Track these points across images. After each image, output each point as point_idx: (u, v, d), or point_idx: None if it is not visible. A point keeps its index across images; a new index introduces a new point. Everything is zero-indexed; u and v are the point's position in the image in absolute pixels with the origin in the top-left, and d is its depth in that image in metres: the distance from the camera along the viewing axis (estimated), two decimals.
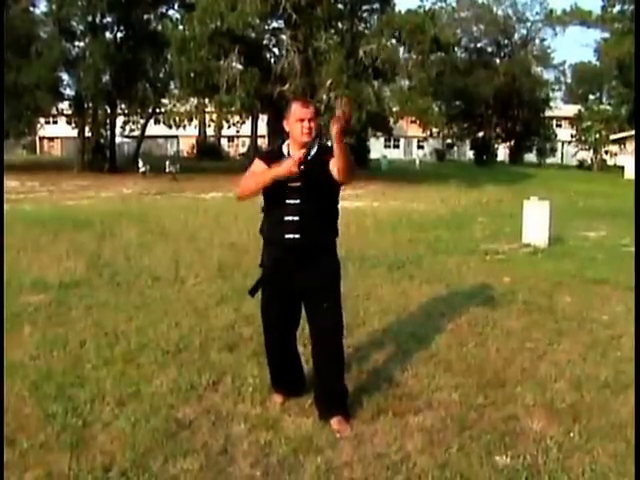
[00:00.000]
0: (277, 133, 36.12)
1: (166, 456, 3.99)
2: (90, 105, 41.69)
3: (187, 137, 70.14)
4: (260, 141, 56.02)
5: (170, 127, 61.06)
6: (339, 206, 4.61)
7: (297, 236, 4.38)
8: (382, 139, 64.96)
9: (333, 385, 4.60)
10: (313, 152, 4.32)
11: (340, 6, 34.35)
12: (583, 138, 60.23)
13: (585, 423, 4.57)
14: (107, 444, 4.15)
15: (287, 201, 4.39)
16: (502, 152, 70.19)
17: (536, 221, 12.63)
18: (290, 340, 4.85)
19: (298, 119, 4.35)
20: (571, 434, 4.40)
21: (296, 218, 4.38)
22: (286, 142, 4.54)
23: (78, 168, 39.67)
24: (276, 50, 35.64)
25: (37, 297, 7.68)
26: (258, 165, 4.52)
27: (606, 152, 58.36)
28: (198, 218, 15.58)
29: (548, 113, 69.75)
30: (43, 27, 40.40)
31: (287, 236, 4.39)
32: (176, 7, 42.16)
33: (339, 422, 4.45)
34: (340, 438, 4.28)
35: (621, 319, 7.25)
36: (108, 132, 43.83)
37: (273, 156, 4.51)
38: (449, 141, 72.93)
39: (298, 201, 4.37)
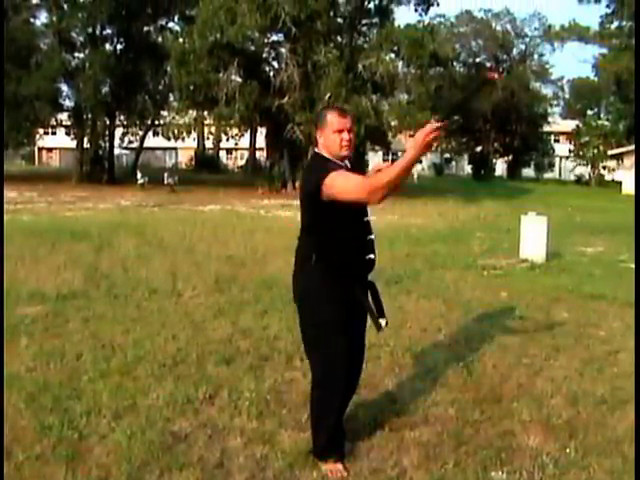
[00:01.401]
0: (275, 146, 36.23)
1: (162, 469, 3.98)
2: (89, 116, 41.78)
3: (186, 149, 70.34)
4: (258, 154, 56.16)
5: (169, 139, 61.32)
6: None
7: (372, 256, 4.09)
8: (380, 153, 64.99)
9: (342, 423, 4.26)
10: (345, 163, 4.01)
11: (339, 20, 34.52)
12: (581, 153, 60.32)
13: (581, 439, 4.56)
14: (103, 457, 4.13)
15: (365, 218, 4.06)
16: (500, 167, 70.32)
17: (534, 236, 12.64)
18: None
19: (336, 130, 3.93)
20: (567, 450, 4.39)
21: (372, 237, 4.09)
22: (317, 152, 4.09)
23: (76, 179, 39.73)
24: (275, 63, 35.76)
25: (34, 308, 7.67)
26: (345, 170, 3.92)
27: (604, 167, 58.45)
28: (196, 230, 15.57)
29: (546, 128, 70.00)
30: (43, 38, 40.60)
31: (368, 257, 4.07)
32: (176, 20, 42.39)
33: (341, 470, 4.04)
34: None
35: (618, 335, 7.25)
36: (107, 143, 43.93)
37: (333, 163, 3.94)
38: (447, 155, 73.09)
39: (368, 218, 4.08)
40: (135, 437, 4.38)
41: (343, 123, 3.93)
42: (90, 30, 39.66)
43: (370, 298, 4.21)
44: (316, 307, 4.02)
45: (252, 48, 33.84)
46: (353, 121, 4.03)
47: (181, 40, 33.46)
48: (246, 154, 62.97)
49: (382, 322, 4.19)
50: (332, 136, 3.93)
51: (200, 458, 4.16)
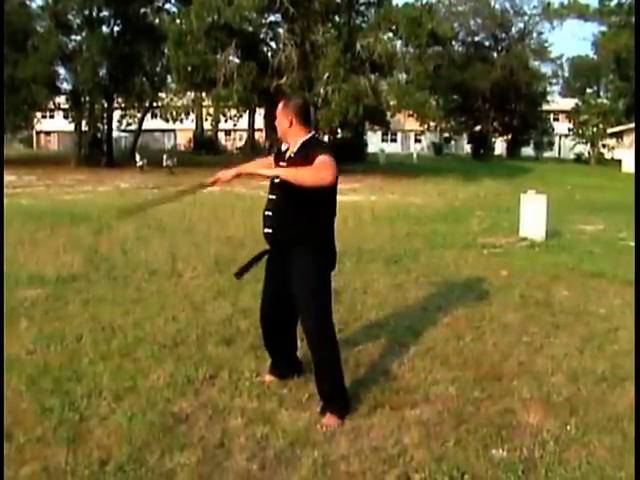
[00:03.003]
0: (274, 127, 36.06)
1: (163, 450, 3.99)
2: (87, 99, 41.58)
3: (184, 131, 70.17)
4: (257, 135, 56.01)
5: (167, 121, 61.13)
6: (333, 199, 4.62)
7: (270, 230, 4.63)
8: (379, 133, 64.99)
9: (320, 381, 4.65)
10: (295, 149, 4.55)
11: (337, 0, 34.31)
12: (580, 132, 60.25)
13: (582, 416, 4.57)
14: (104, 438, 4.14)
15: (269, 196, 4.66)
16: (499, 146, 70.21)
17: (533, 215, 12.63)
18: (275, 319, 4.97)
19: None
20: (568, 427, 4.40)
21: (270, 213, 4.63)
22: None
23: (75, 162, 39.61)
24: (273, 44, 35.62)
25: (34, 291, 7.67)
26: (267, 159, 5.05)
27: (603, 146, 58.37)
28: (195, 212, 15.55)
29: (545, 107, 69.76)
30: (40, 21, 40.26)
31: (265, 230, 4.67)
32: (173, 1, 42.15)
33: (327, 418, 4.44)
34: (337, 431, 4.27)
35: (618, 312, 7.26)
36: (105, 126, 43.71)
37: (278, 149, 4.84)
38: (446, 135, 72.86)
39: (274, 197, 4.61)
40: (136, 418, 4.39)
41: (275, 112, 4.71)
42: (87, 12, 39.39)
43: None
44: None
45: (250, 29, 33.67)
46: (280, 111, 4.64)
47: (178, 21, 33.30)
48: (245, 135, 62.73)
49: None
50: None
51: (201, 438, 4.17)
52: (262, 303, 4.96)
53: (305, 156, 4.40)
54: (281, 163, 4.60)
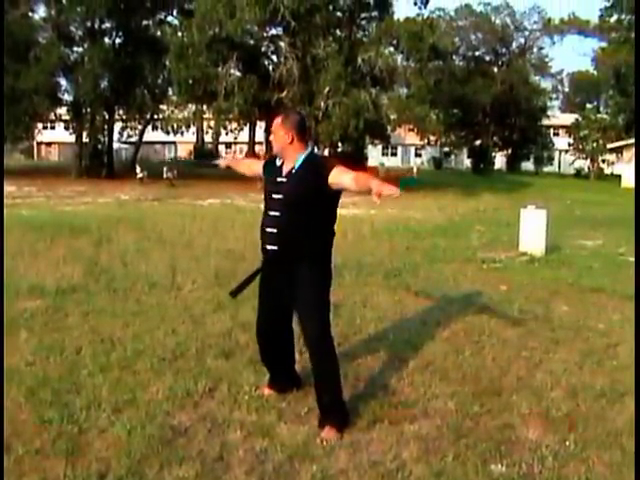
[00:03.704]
0: None
1: (162, 463, 3.98)
2: (88, 110, 41.63)
3: (185, 143, 70.27)
4: (258, 148, 56.07)
5: (168, 133, 61.25)
6: (335, 213, 4.65)
7: (274, 248, 4.57)
8: (380, 147, 65.01)
9: (320, 394, 4.63)
10: (297, 165, 4.51)
11: (339, 14, 34.46)
12: (580, 147, 60.42)
13: (581, 432, 4.57)
14: (103, 451, 4.14)
15: (270, 212, 4.60)
16: (499, 160, 70.29)
17: (533, 229, 12.64)
18: (275, 335, 4.96)
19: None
20: (567, 443, 4.40)
21: (274, 230, 4.56)
22: None
23: (75, 173, 39.65)
24: (274, 57, 35.71)
25: (34, 303, 7.66)
26: (258, 162, 5.10)
27: (603, 161, 58.54)
28: (195, 224, 15.56)
29: (545, 122, 69.93)
30: (42, 32, 40.41)
31: (267, 247, 4.62)
32: (175, 13, 42.25)
33: (326, 431, 4.44)
34: (336, 445, 4.27)
35: (617, 327, 7.26)
36: (106, 138, 43.77)
37: (270, 162, 4.82)
38: (446, 149, 72.95)
39: (278, 213, 4.54)
40: (135, 431, 4.39)
41: (272, 126, 4.68)
42: (89, 24, 39.50)
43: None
44: None
45: (251, 42, 33.81)
46: (278, 125, 4.59)
47: (180, 34, 33.43)
48: (245, 148, 62.86)
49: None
50: None
51: (200, 452, 4.17)
52: (258, 320, 4.92)
53: (312, 171, 4.44)
54: (279, 179, 4.57)
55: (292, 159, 4.54)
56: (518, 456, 4.22)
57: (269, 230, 4.57)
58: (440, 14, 64.57)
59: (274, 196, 4.54)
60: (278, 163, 4.65)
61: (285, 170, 4.57)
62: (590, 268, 11.19)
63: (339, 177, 4.35)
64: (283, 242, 4.53)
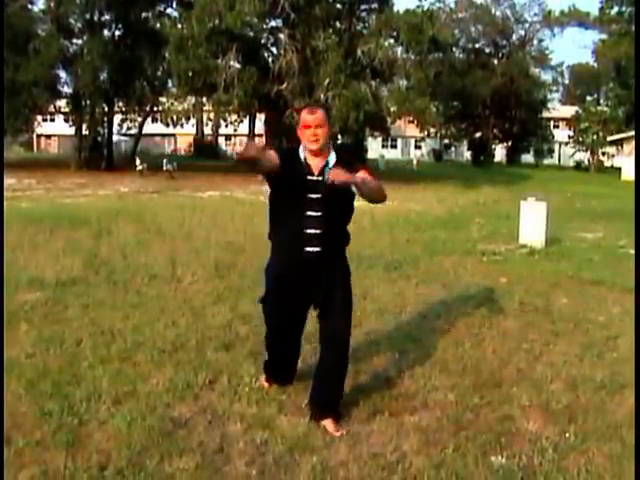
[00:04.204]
0: (274, 132, 36.14)
1: (162, 455, 3.99)
2: (87, 103, 41.53)
3: (184, 135, 70.16)
4: (257, 140, 56.04)
5: (167, 125, 61.12)
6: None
7: (318, 249, 4.39)
8: (380, 139, 64.95)
9: (336, 387, 4.58)
10: (332, 160, 4.35)
11: (338, 6, 34.37)
12: (580, 139, 60.37)
13: (581, 424, 4.57)
14: (103, 443, 4.14)
15: (307, 213, 4.35)
16: (499, 153, 70.22)
17: (533, 222, 12.64)
18: (295, 338, 4.91)
19: (305, 126, 4.30)
20: (567, 435, 4.41)
21: (318, 231, 4.37)
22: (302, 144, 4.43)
23: (75, 166, 39.58)
24: (274, 49, 35.60)
25: (33, 295, 7.66)
26: (275, 154, 4.29)
27: (603, 153, 58.50)
28: (195, 217, 15.55)
29: (545, 114, 69.80)
30: (41, 25, 40.32)
31: (307, 249, 4.39)
32: (174, 5, 42.09)
33: (333, 423, 4.44)
34: (336, 437, 4.28)
35: (617, 320, 7.26)
36: (105, 130, 43.70)
37: (289, 155, 4.39)
38: (446, 141, 72.88)
39: (319, 213, 4.35)
40: (135, 423, 4.39)
41: (311, 120, 4.29)
42: (88, 16, 39.41)
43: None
44: (265, 277, 4.73)
45: (251, 34, 33.70)
46: (323, 117, 4.33)
47: (179, 26, 33.32)
48: (245, 140, 62.90)
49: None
50: (302, 131, 4.35)
51: (200, 443, 4.17)
52: (277, 328, 4.82)
53: (345, 165, 4.22)
54: (311, 177, 4.32)
55: (325, 155, 4.37)
56: (518, 448, 4.22)
57: (311, 232, 4.36)
58: (440, 6, 64.34)
59: (311, 196, 4.30)
60: (302, 157, 4.39)
61: (315, 166, 4.35)
62: (590, 261, 11.19)
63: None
64: (327, 243, 4.41)
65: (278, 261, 4.61)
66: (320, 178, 4.27)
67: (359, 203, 4.43)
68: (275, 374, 5.05)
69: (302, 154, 4.39)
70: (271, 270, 4.67)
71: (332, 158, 4.37)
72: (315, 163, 4.34)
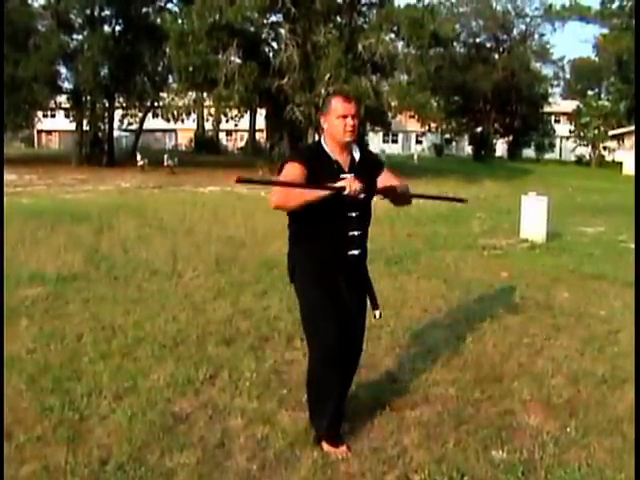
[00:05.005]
0: (275, 127, 36.10)
1: (163, 450, 3.99)
2: (88, 98, 41.55)
3: (185, 131, 70.07)
4: (258, 135, 56.01)
5: (168, 121, 60.93)
6: None
7: (357, 252, 4.11)
8: (380, 134, 64.92)
9: (344, 404, 4.28)
10: (357, 156, 4.04)
11: (339, 0, 34.27)
12: (582, 134, 60.24)
13: (582, 418, 4.57)
14: (104, 438, 4.14)
15: (348, 214, 3.98)
16: (500, 147, 70.11)
17: (534, 216, 12.63)
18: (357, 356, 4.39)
19: (340, 115, 3.88)
20: (568, 429, 4.40)
21: (357, 233, 4.06)
22: (322, 139, 4.06)
23: (76, 161, 39.60)
24: (275, 44, 35.52)
25: (34, 290, 7.67)
26: (297, 169, 3.83)
27: (604, 148, 58.38)
28: (196, 212, 15.55)
29: (547, 109, 69.71)
30: (41, 20, 40.25)
31: (350, 253, 4.07)
32: (175, 1, 42.10)
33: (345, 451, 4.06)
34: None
35: (618, 314, 7.26)
36: (106, 125, 43.69)
37: (314, 156, 3.95)
38: (447, 136, 72.68)
39: (357, 213, 4.02)
40: (136, 418, 4.39)
41: (348, 109, 3.90)
42: (88, 12, 39.40)
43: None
44: (301, 290, 4.13)
45: (251, 29, 33.61)
46: (358, 107, 4.00)
47: (180, 21, 33.22)
48: (246, 135, 62.79)
49: (376, 313, 4.37)
50: (336, 122, 3.91)
51: (201, 438, 4.17)
52: (337, 347, 3.97)
53: (370, 162, 4.12)
54: (343, 175, 3.84)
55: (349, 149, 4.02)
56: (519, 442, 4.22)
57: (353, 233, 4.03)
58: (441, 0, 64.29)
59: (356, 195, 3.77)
60: (332, 155, 3.98)
61: (345, 163, 3.99)
62: (591, 255, 11.19)
63: (390, 181, 4.07)
64: (363, 244, 4.17)
65: (319, 272, 4.05)
66: (347, 175, 3.81)
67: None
68: (328, 421, 4.10)
69: (328, 150, 3.99)
70: (312, 279, 4.07)
71: (357, 154, 4.05)
72: (344, 159, 3.97)
